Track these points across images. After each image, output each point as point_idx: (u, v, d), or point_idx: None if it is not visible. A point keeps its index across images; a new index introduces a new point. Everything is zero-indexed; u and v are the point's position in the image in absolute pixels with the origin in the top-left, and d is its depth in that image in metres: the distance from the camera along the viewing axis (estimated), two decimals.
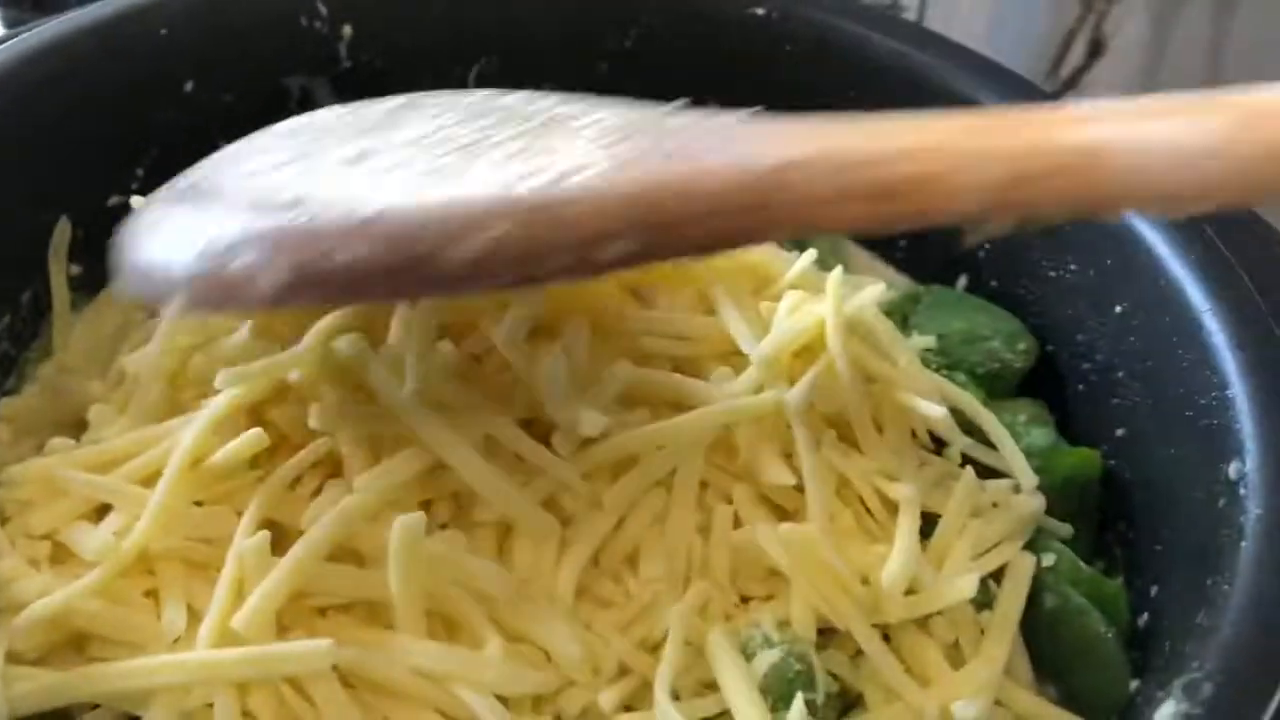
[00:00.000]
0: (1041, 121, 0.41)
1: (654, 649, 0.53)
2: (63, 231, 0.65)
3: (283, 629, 0.51)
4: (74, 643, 0.51)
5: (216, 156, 0.54)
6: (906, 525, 0.54)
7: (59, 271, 0.64)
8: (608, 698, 0.50)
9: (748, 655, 0.51)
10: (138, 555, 0.50)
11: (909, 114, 0.44)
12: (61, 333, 0.64)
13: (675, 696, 0.51)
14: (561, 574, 0.52)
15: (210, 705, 0.48)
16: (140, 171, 0.69)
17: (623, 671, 0.52)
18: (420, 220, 0.42)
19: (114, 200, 0.68)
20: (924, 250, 0.76)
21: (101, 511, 0.53)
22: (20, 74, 0.62)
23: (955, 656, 0.55)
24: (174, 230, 0.47)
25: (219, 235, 0.44)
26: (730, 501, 0.56)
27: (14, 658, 0.49)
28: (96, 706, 0.49)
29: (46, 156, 0.64)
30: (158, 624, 0.50)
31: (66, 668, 0.49)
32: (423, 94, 0.55)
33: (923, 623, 0.55)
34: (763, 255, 0.64)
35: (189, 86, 0.69)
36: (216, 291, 0.44)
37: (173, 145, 0.68)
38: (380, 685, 0.49)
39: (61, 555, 0.52)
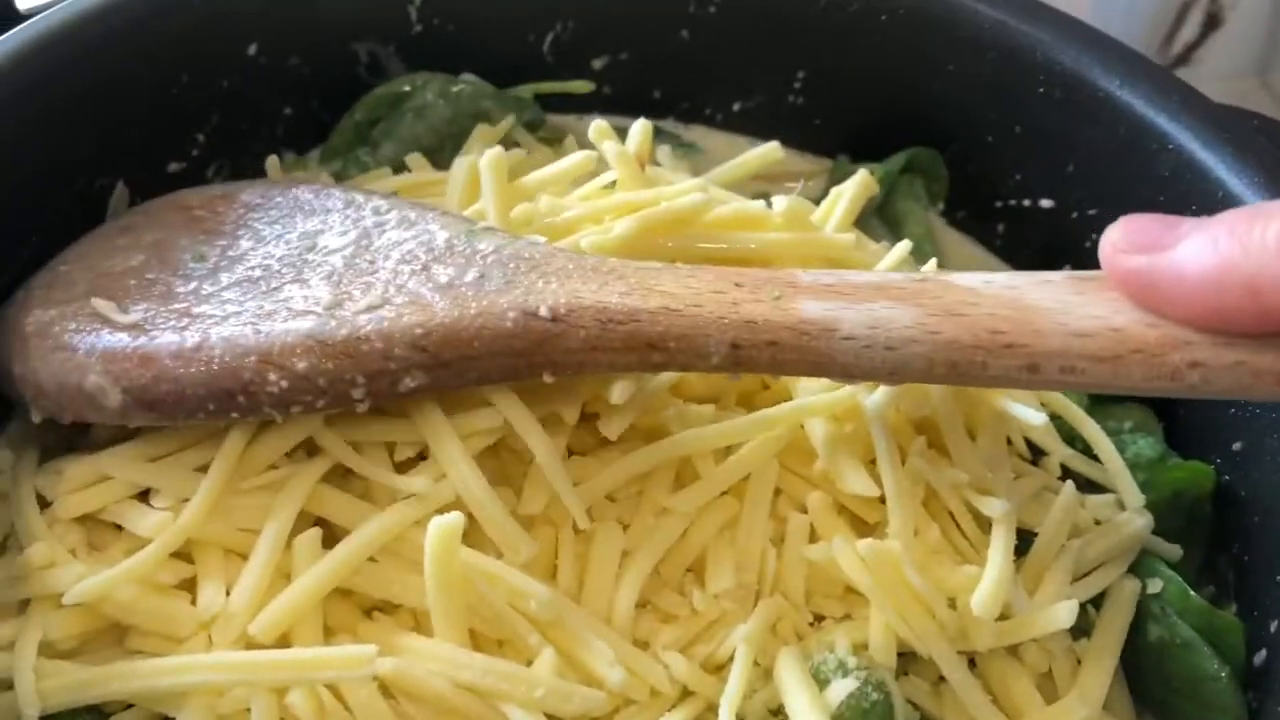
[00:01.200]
0: (770, 296, 0.46)
1: (718, 669, 0.49)
2: (120, 197, 0.63)
3: (328, 631, 0.48)
4: (109, 634, 0.49)
5: (81, 248, 0.57)
6: (1000, 545, 0.49)
7: None
8: None
9: (820, 681, 0.47)
10: (182, 539, 0.48)
11: (668, 268, 0.49)
12: None
13: None
14: (622, 588, 0.49)
15: (246, 709, 0.45)
16: (201, 137, 0.66)
17: (684, 694, 0.48)
18: (242, 349, 0.48)
19: (173, 167, 0.65)
20: (1024, 235, 0.71)
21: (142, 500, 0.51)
22: (79, 33, 0.59)
23: (1048, 688, 0.51)
24: (38, 334, 0.52)
25: (73, 352, 0.50)
26: (805, 510, 0.52)
27: (48, 649, 0.47)
28: (130, 706, 0.47)
29: (104, 119, 0.61)
30: (194, 612, 0.47)
31: (101, 661, 0.47)
32: (258, 192, 0.58)
33: (1013, 649, 0.51)
34: (847, 243, 0.59)
35: (252, 50, 0.66)
36: (74, 404, 0.50)
37: (234, 111, 0.67)
38: (422, 696, 0.46)
39: (98, 543, 0.50)
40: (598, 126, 0.62)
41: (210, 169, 0.67)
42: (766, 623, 0.49)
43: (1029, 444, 0.57)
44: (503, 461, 0.52)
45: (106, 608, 0.47)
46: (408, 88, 0.70)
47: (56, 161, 0.59)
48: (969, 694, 0.49)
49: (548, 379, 0.48)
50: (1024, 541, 0.52)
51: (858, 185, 0.63)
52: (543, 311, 0.47)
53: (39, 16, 0.59)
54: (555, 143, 0.72)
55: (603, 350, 0.47)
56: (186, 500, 0.49)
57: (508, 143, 0.69)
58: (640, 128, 0.62)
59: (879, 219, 0.72)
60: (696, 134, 0.77)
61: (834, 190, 0.63)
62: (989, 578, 0.48)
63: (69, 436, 0.55)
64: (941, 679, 0.50)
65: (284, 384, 0.47)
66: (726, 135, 0.77)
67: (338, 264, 0.51)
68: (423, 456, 0.51)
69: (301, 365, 0.47)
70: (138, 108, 0.63)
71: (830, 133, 0.75)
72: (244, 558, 0.48)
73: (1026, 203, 0.70)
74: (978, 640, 0.49)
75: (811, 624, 0.51)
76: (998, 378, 0.44)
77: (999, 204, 0.72)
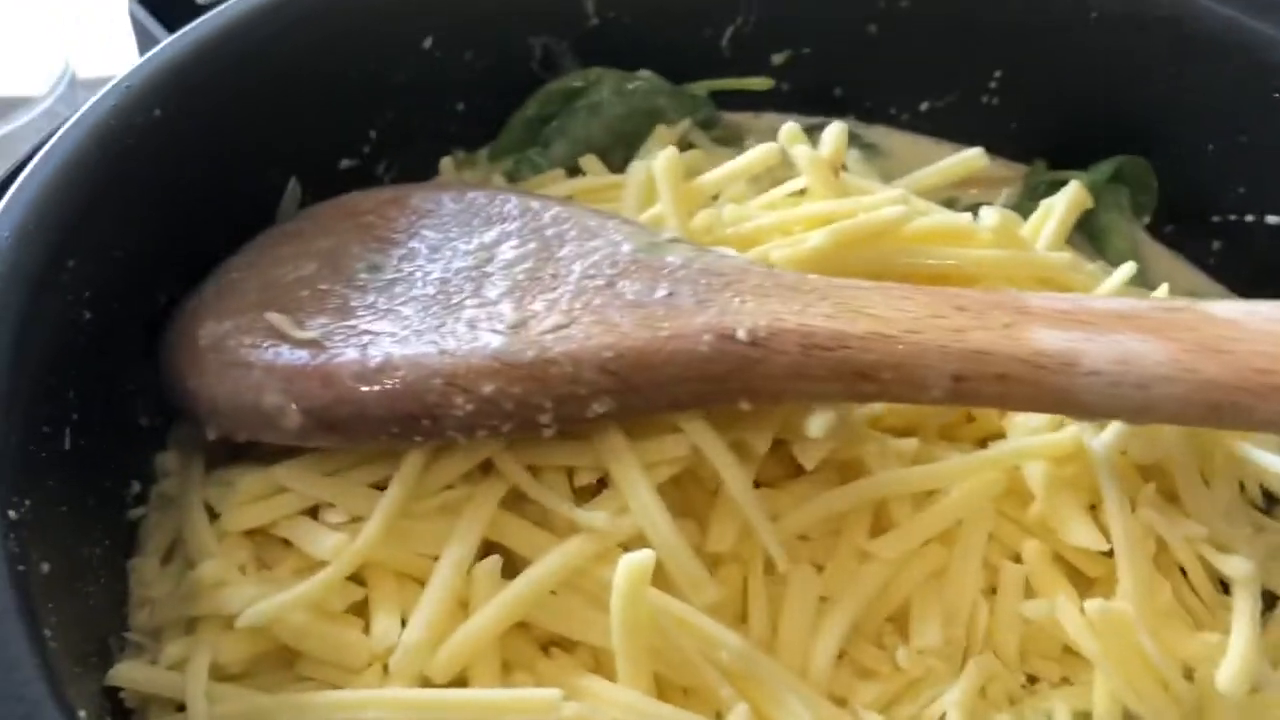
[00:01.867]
0: (999, 323, 0.42)
1: None
2: (292, 195, 0.61)
3: (505, 666, 0.45)
4: (278, 658, 0.47)
5: (250, 255, 0.55)
6: (1246, 610, 0.44)
7: None
8: None
9: None
10: (359, 563, 0.46)
11: (877, 287, 0.45)
12: None
13: None
14: (820, 639, 0.45)
15: None
16: (373, 134, 0.64)
17: None
18: (427, 370, 0.45)
19: (345, 164, 0.63)
20: (1242, 253, 0.65)
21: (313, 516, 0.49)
22: (256, 27, 0.58)
23: None
24: (212, 349, 0.50)
25: (249, 370, 0.48)
26: (1019, 560, 0.47)
27: (215, 671, 0.45)
28: None
29: (278, 114, 0.59)
30: (367, 642, 0.45)
31: (269, 686, 0.45)
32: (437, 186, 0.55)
33: None
34: (1063, 263, 0.55)
35: (428, 43, 0.64)
36: (250, 423, 0.48)
37: (408, 106, 0.64)
38: None
39: (267, 559, 0.48)
40: (789, 130, 0.58)
41: (381, 165, 0.65)
42: (977, 684, 0.45)
43: (1263, 492, 0.51)
44: (686, 492, 0.48)
45: (277, 631, 0.45)
46: (581, 84, 0.67)
47: (229, 158, 0.57)
48: None
49: (744, 407, 0.45)
50: (1264, 604, 0.47)
51: (1071, 198, 0.58)
52: (741, 334, 0.44)
53: (217, 10, 0.57)
54: (732, 142, 0.69)
55: (806, 379, 0.44)
56: (359, 519, 0.47)
57: (683, 144, 0.66)
58: (836, 131, 0.58)
59: (1080, 232, 0.66)
60: (878, 134, 0.72)
61: (1044, 204, 0.58)
62: (1235, 649, 0.43)
63: (236, 444, 0.54)
64: None
65: (470, 407, 0.45)
66: (911, 136, 0.72)
67: (519, 278, 0.49)
68: (603, 482, 0.48)
69: (488, 389, 0.45)
70: (312, 102, 0.60)
71: (1026, 136, 0.69)
72: (419, 583, 0.46)
73: (1250, 218, 0.64)
74: (1217, 718, 0.44)
75: (1025, 686, 0.46)
76: (1267, 423, 0.39)
77: (1216, 219, 0.66)
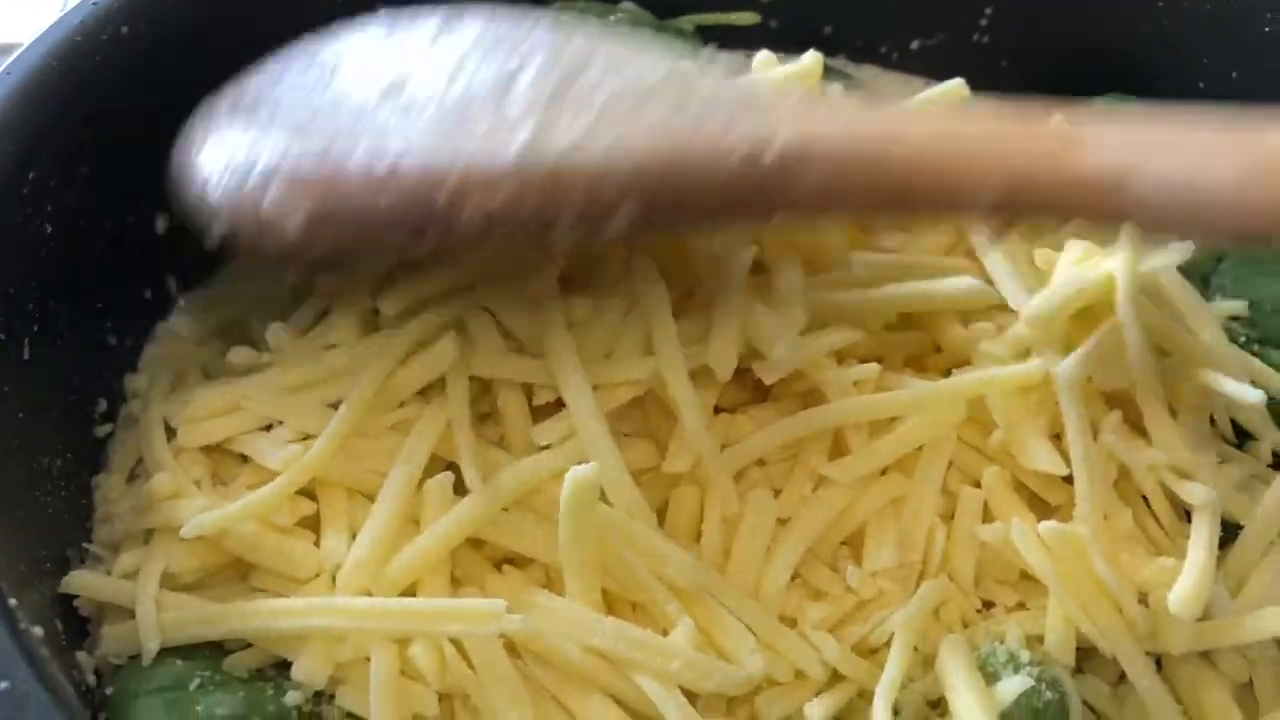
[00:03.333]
0: (1059, 137, 0.41)
1: (871, 654, 0.45)
2: None
3: (455, 582, 0.45)
4: (232, 570, 0.47)
5: (267, 72, 0.52)
6: (1203, 537, 0.44)
7: None
8: (815, 708, 0.43)
9: (988, 675, 0.43)
10: (309, 476, 0.46)
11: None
12: None
13: (895, 712, 0.43)
14: (774, 562, 0.45)
15: (366, 658, 0.43)
16: None
17: (834, 678, 0.44)
18: (437, 176, 0.43)
19: None
20: None
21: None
22: None
23: (1248, 701, 0.45)
24: (220, 149, 0.47)
25: (253, 169, 0.45)
26: (979, 486, 0.47)
27: (169, 580, 0.46)
28: (248, 645, 0.45)
29: (244, 39, 0.57)
30: (315, 553, 0.45)
31: (223, 597, 0.45)
32: (460, 9, 0.51)
33: (1207, 655, 0.45)
34: None
35: None
36: (249, 227, 0.45)
37: None
38: (548, 657, 0.43)
39: (224, 476, 0.48)
40: (762, 58, 0.57)
41: None
42: (929, 606, 0.44)
43: (1235, 427, 0.50)
44: (648, 414, 0.48)
45: (228, 543, 0.45)
46: (563, 15, 0.67)
47: (197, 79, 0.54)
48: (1156, 700, 0.43)
49: (777, 220, 0.44)
50: (1228, 534, 0.46)
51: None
52: (773, 149, 0.41)
53: None
54: None
55: (842, 192, 0.42)
56: (311, 437, 0.47)
57: None
58: (810, 59, 0.57)
59: None
60: (869, 73, 0.71)
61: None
62: (1190, 573, 0.42)
63: (206, 364, 0.54)
64: (1122, 680, 0.45)
65: (481, 214, 0.42)
66: (902, 76, 0.71)
67: (541, 98, 0.45)
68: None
69: (502, 195, 0.42)
70: (279, 28, 0.59)
71: (1018, 75, 0.68)
72: (370, 499, 0.46)
73: None
74: (1170, 642, 0.43)
75: (979, 611, 0.46)
76: None
77: None
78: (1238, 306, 0.54)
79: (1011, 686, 0.42)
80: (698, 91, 0.45)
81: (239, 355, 0.51)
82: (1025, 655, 0.43)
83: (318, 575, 0.45)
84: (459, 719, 0.43)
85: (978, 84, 0.68)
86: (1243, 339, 0.53)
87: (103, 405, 0.53)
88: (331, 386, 0.48)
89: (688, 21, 0.68)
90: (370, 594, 0.44)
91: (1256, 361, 0.51)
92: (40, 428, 0.48)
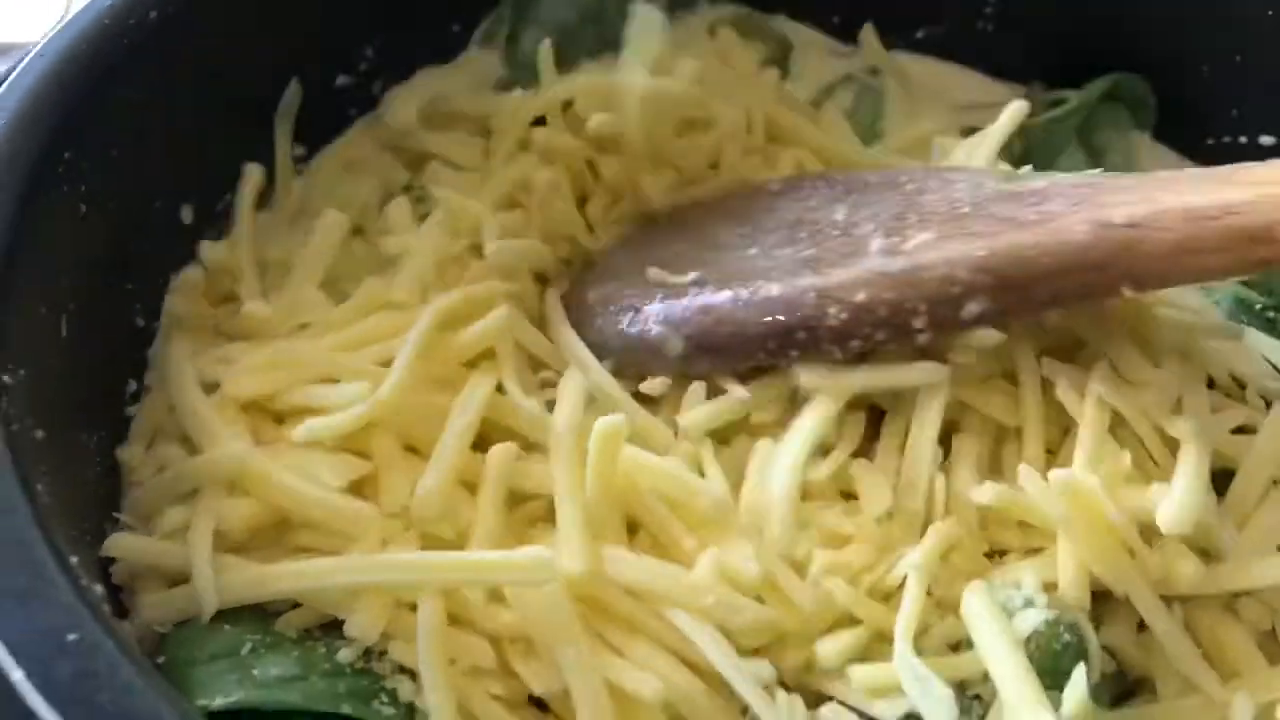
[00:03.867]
0: None
1: (885, 599, 0.45)
2: (294, 93, 0.61)
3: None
4: (270, 533, 0.47)
5: (621, 244, 0.59)
6: (1191, 457, 0.44)
7: (284, 134, 0.61)
8: (828, 647, 0.44)
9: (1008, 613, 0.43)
10: (375, 414, 0.47)
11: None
12: (284, 187, 0.60)
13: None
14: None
15: (413, 608, 0.43)
16: (370, 51, 0.65)
17: (850, 621, 0.45)
18: (797, 293, 0.48)
19: (342, 80, 0.64)
20: None
21: None
22: None
23: (1270, 648, 0.45)
24: (598, 303, 0.54)
25: (634, 314, 0.52)
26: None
27: (216, 541, 0.46)
28: (294, 606, 0.45)
29: (271, 25, 0.60)
30: (367, 510, 0.46)
31: (266, 559, 0.46)
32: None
33: (1230, 604, 0.46)
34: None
35: None
36: (637, 355, 0.52)
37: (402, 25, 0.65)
38: (593, 600, 0.44)
39: (262, 436, 0.49)
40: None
41: (377, 85, 0.65)
42: (937, 549, 0.45)
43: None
44: None
45: (278, 498, 0.46)
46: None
47: (225, 66, 0.58)
48: (1174, 643, 0.44)
49: (1128, 294, 0.45)
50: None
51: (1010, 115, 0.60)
52: (1118, 219, 0.44)
53: None
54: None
55: (1193, 253, 0.43)
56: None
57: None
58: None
59: (1081, 149, 0.66)
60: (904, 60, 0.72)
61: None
62: (1176, 489, 0.43)
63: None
64: (1143, 626, 0.45)
65: (843, 316, 0.46)
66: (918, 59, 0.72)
67: (885, 219, 0.50)
68: None
69: (861, 296, 0.46)
70: (307, 14, 0.61)
71: (1025, 57, 0.69)
72: (422, 457, 0.47)
73: (1243, 139, 0.64)
74: (1179, 583, 0.44)
75: (990, 557, 0.47)
76: None
77: (1210, 140, 0.66)
78: None
79: (1029, 621, 0.42)
80: (1034, 190, 0.47)
81: (257, 308, 0.53)
82: (1041, 599, 0.44)
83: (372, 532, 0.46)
84: (514, 665, 0.43)
85: (986, 67, 0.70)
86: (1259, 305, 0.54)
87: (133, 385, 0.54)
88: (385, 345, 0.50)
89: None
90: (423, 548, 0.45)
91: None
92: (78, 402, 0.49)
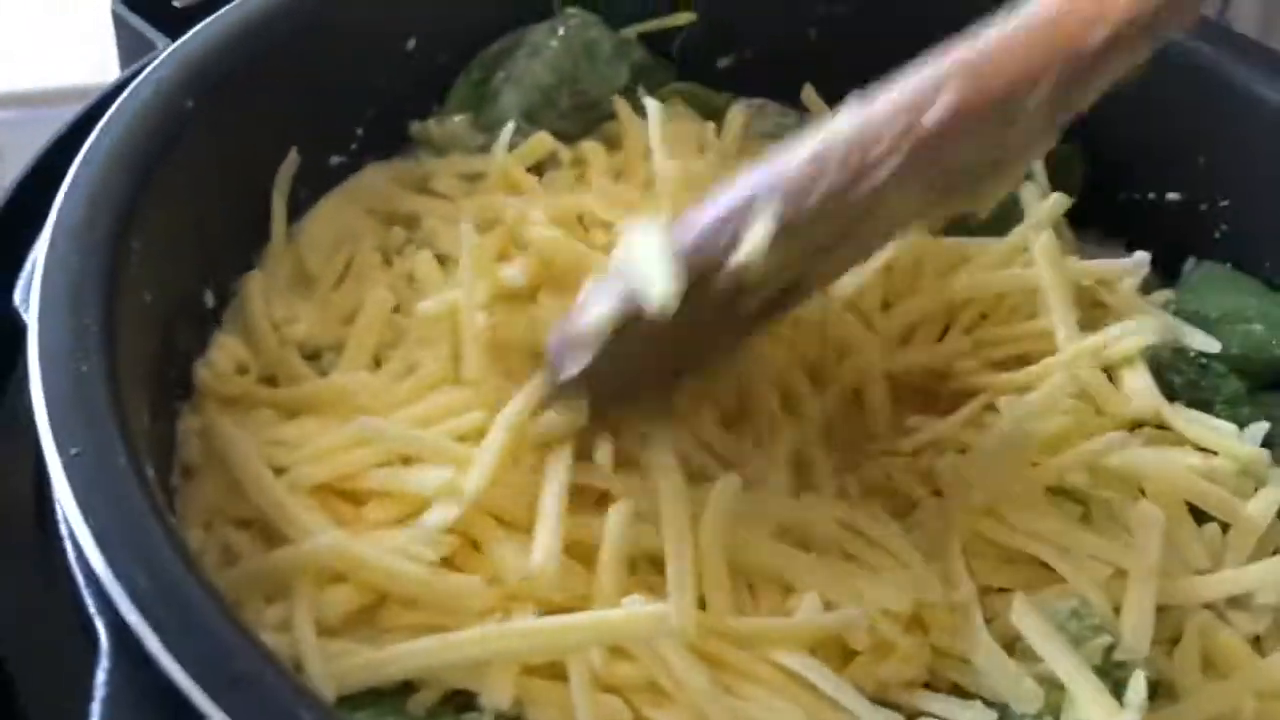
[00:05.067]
0: None
1: None
2: (291, 162, 0.62)
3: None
4: (360, 617, 0.47)
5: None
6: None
7: (281, 200, 0.61)
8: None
9: None
10: (474, 498, 0.48)
11: None
12: (274, 259, 0.60)
13: None
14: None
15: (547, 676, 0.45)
16: (360, 131, 0.66)
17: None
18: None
19: (335, 160, 0.66)
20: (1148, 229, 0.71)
21: None
22: (261, 28, 0.60)
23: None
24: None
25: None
26: None
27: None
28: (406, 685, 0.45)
29: (274, 110, 0.61)
30: (476, 583, 0.46)
31: (364, 639, 0.46)
32: None
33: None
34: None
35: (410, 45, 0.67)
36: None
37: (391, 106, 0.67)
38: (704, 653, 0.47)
39: (345, 517, 0.49)
40: None
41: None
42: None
43: None
44: None
45: (379, 581, 0.46)
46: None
47: (243, 146, 0.59)
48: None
49: None
50: None
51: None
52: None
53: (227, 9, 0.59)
54: None
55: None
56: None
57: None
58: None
59: None
60: None
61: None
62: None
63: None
64: None
65: (945, 110, 0.45)
66: None
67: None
68: None
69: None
70: (302, 104, 0.63)
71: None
72: (516, 528, 0.48)
73: (1151, 196, 0.71)
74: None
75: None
76: None
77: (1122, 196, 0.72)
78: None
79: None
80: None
81: (347, 380, 0.54)
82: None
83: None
84: (646, 713, 0.45)
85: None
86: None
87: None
88: (458, 421, 0.51)
89: (631, 31, 0.72)
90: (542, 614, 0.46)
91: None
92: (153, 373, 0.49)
